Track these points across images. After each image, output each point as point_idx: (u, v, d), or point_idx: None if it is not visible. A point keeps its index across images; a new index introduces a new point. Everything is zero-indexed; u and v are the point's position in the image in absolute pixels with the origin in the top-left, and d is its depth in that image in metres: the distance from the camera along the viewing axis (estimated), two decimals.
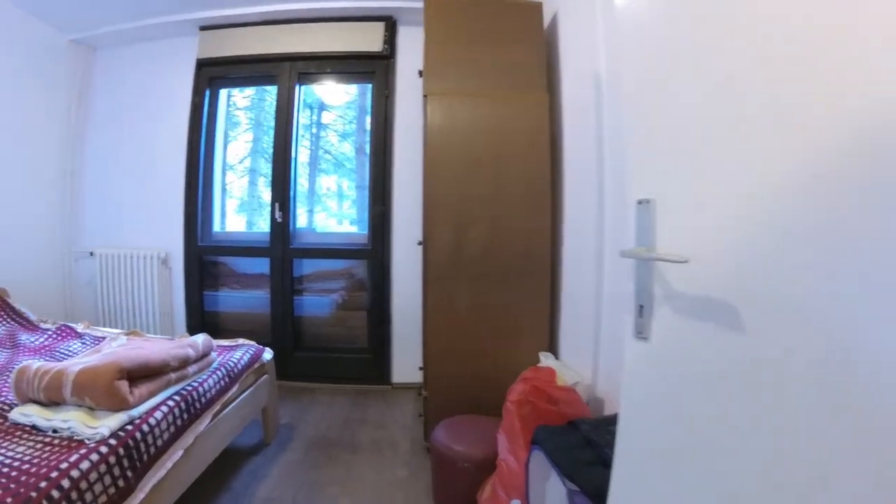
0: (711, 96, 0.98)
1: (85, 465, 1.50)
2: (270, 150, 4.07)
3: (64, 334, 2.99)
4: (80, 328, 3.10)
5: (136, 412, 1.78)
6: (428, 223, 2.71)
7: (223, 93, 4.34)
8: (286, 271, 4.04)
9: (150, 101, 4.18)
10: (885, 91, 0.67)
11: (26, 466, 1.49)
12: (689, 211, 1.04)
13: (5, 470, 1.46)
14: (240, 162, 4.60)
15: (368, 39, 3.91)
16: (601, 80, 2.28)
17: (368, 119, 4.17)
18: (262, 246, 4.06)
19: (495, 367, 2.72)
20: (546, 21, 2.94)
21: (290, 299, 4.08)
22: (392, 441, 3.05)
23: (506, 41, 2.83)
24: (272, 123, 4.08)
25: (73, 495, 1.41)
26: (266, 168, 4.08)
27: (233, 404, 2.42)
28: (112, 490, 1.56)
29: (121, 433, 1.68)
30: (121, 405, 1.74)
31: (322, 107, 4.52)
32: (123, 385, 1.76)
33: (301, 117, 4.16)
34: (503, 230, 2.70)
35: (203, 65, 4.07)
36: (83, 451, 1.56)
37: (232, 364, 2.46)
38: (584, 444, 1.64)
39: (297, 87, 4.04)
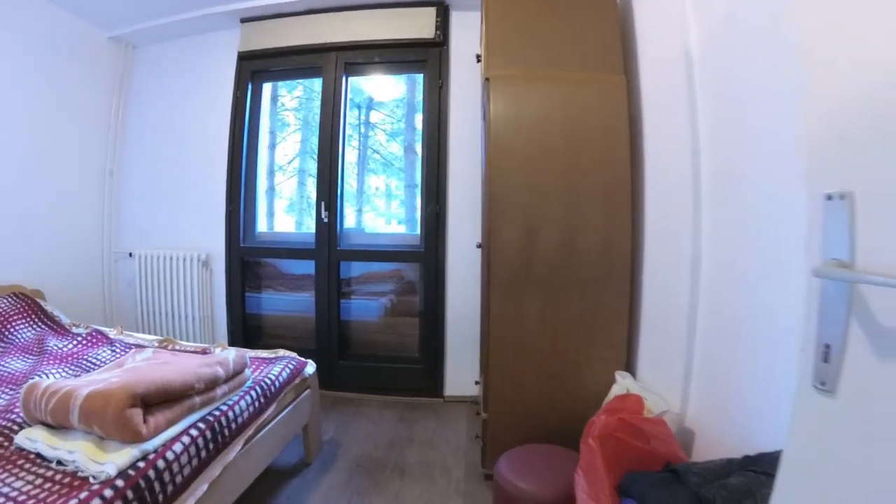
0: None
1: None
2: (318, 151, 3.88)
3: (94, 340, 2.83)
4: (112, 334, 2.93)
5: (150, 445, 1.51)
6: (492, 223, 2.38)
7: (266, 87, 4.16)
8: (332, 274, 3.81)
9: (190, 97, 4.08)
10: None
11: None
12: None
13: None
14: (288, 163, 4.49)
15: (419, 26, 3.64)
16: (692, 60, 1.96)
17: (417, 116, 3.96)
18: (308, 247, 3.86)
19: (565, 389, 2.41)
20: None
21: (336, 304, 3.84)
22: (444, 465, 2.74)
23: (575, 17, 2.51)
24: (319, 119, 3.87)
25: None
26: (314, 168, 3.88)
27: (269, 426, 2.15)
28: None
29: (131, 472, 1.41)
30: (133, 438, 1.47)
31: (370, 106, 4.32)
32: (136, 414, 1.49)
33: (349, 117, 3.94)
34: (578, 231, 2.35)
35: (244, 58, 3.91)
36: (84, 493, 1.29)
37: (269, 381, 2.18)
38: (694, 502, 1.28)
39: (343, 79, 3.81)
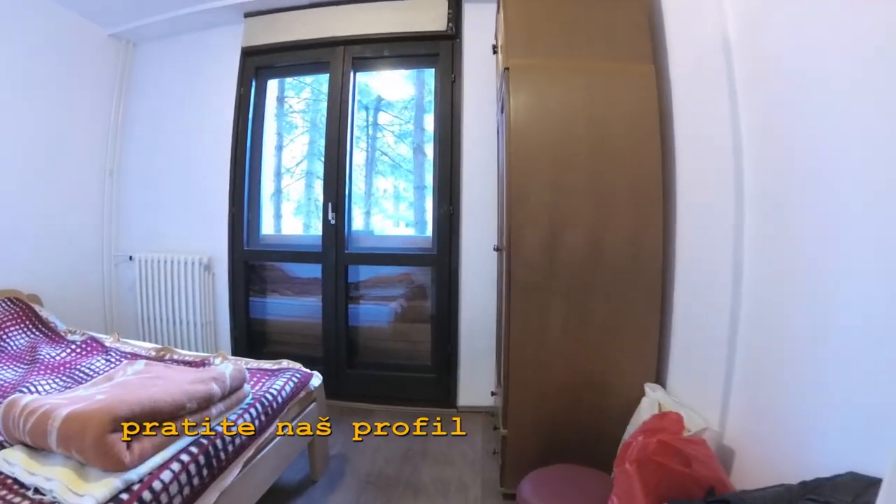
0: None
1: None
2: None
3: (89, 349, 2.69)
4: (108, 341, 2.80)
5: (134, 475, 1.33)
6: (512, 223, 2.21)
7: (271, 84, 4.04)
8: (340, 279, 3.65)
9: (193, 95, 3.95)
10: None
11: None
12: None
13: None
14: (296, 165, 4.40)
15: (430, 18, 3.49)
16: (730, 46, 1.80)
17: (427, 117, 3.87)
18: (314, 250, 3.71)
19: (591, 402, 2.25)
20: None
21: (343, 309, 3.68)
22: (460, 482, 2.56)
23: (598, 2, 2.36)
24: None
25: None
26: (322, 170, 3.77)
27: (271, 445, 1.98)
28: None
29: None
30: (114, 466, 1.30)
31: (378, 107, 4.21)
32: (117, 440, 1.32)
33: (357, 117, 3.82)
34: (605, 232, 2.19)
35: (248, 53, 3.78)
36: None
37: (271, 396, 2.01)
38: None
39: (351, 74, 3.66)
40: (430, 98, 3.80)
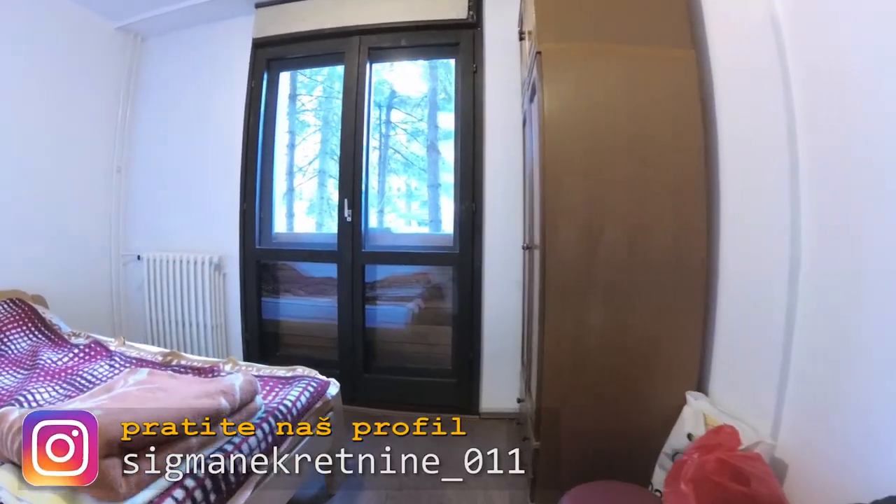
0: None
1: None
2: (339, 152, 3.66)
3: (93, 353, 2.57)
4: (112, 345, 2.68)
5: None
6: (547, 221, 2.05)
7: (284, 77, 3.92)
8: (357, 278, 3.53)
9: (202, 89, 3.87)
10: None
11: None
12: None
13: None
14: (309, 163, 4.30)
15: (450, 5, 3.35)
16: (780, 26, 1.64)
17: (440, 115, 3.83)
18: (330, 249, 3.60)
19: (628, 411, 2.09)
20: None
21: (360, 311, 3.56)
22: (488, 498, 2.43)
23: None
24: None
25: None
26: (335, 169, 3.73)
27: (284, 458, 1.83)
28: None
29: None
30: (108, 496, 1.16)
31: (391, 105, 4.10)
32: (112, 466, 1.17)
33: (372, 111, 3.70)
34: (646, 230, 2.03)
35: (260, 45, 3.67)
36: None
37: (285, 409, 1.87)
38: None
39: (367, 65, 3.52)
40: (443, 95, 3.72)
